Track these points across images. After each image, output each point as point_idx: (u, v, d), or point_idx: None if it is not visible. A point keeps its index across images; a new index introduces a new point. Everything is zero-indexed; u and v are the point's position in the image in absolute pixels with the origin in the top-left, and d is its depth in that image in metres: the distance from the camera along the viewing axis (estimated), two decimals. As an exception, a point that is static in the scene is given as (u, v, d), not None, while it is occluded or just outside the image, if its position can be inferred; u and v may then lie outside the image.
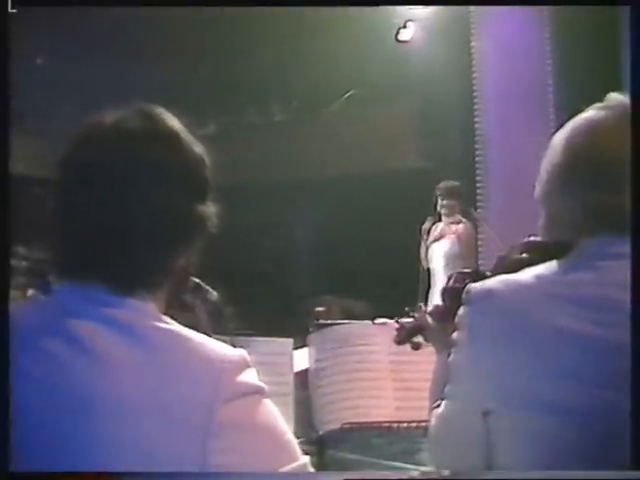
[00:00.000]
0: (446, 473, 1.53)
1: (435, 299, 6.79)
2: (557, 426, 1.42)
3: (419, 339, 2.03)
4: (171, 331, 1.28)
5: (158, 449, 1.21)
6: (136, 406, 1.22)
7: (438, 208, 7.07)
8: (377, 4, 6.74)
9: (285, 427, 1.31)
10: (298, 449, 1.31)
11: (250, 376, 1.28)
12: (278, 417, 1.30)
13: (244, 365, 1.28)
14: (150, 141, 1.32)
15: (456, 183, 7.04)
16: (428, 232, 7.13)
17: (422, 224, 7.13)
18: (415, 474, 1.56)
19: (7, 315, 1.30)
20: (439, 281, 6.91)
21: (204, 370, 1.25)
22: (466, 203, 7.08)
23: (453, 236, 7.03)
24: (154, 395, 1.22)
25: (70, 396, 1.22)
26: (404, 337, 2.06)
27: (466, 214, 7.06)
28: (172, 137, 1.35)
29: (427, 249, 7.14)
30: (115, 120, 1.34)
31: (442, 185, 7.03)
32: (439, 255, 7.05)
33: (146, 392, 1.22)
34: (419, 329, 2.01)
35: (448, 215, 7.07)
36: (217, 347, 1.29)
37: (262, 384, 1.30)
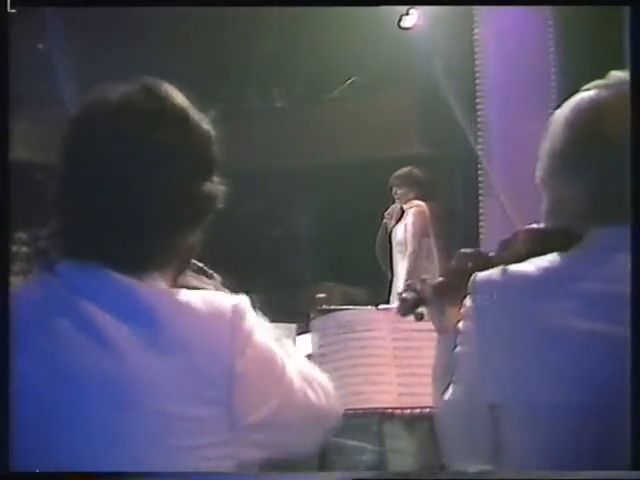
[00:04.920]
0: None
1: (397, 285, 7.00)
2: (562, 419, 1.41)
3: (422, 310, 2.02)
4: (177, 295, 1.29)
5: (182, 414, 1.21)
6: (155, 380, 1.21)
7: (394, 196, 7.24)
8: (378, 4, 6.74)
9: (273, 345, 1.35)
10: (284, 360, 1.35)
11: (253, 317, 1.32)
12: (271, 342, 1.35)
13: (247, 309, 1.31)
14: (155, 118, 1.31)
15: (406, 169, 7.21)
16: (393, 217, 7.29)
17: (385, 210, 7.29)
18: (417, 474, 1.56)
19: (8, 309, 1.28)
20: (398, 267, 7.11)
21: (218, 325, 1.27)
22: (424, 187, 7.21)
23: (403, 223, 7.17)
24: (172, 366, 1.21)
25: (80, 378, 1.21)
26: (407, 309, 2.04)
27: (427, 197, 7.20)
28: (177, 113, 1.33)
29: (390, 234, 7.27)
30: (119, 97, 1.32)
31: (394, 174, 7.21)
32: (394, 241, 7.20)
33: (159, 367, 1.21)
34: (421, 301, 1.99)
35: (402, 202, 7.22)
36: (221, 299, 1.31)
37: (258, 320, 1.33)
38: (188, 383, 1.22)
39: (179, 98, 1.35)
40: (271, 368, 1.33)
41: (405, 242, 7.11)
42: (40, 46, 9.76)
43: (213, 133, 1.38)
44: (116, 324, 1.23)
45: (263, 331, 1.34)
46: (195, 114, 1.36)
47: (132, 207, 1.27)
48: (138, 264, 1.29)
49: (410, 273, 6.96)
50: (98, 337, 1.23)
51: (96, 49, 9.20)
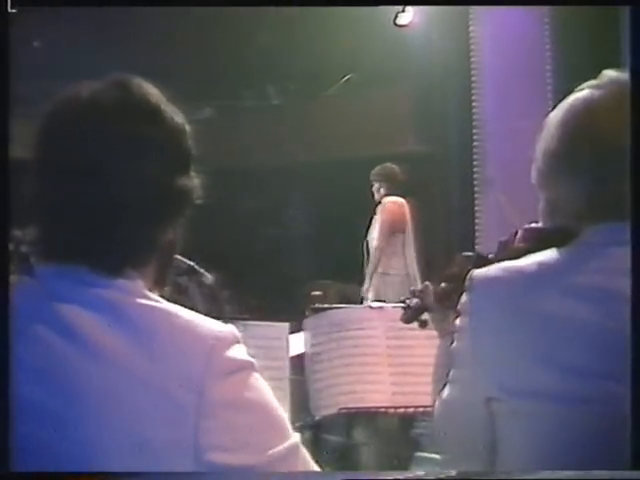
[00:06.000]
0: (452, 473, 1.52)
1: (374, 282, 7.13)
2: (559, 414, 1.40)
3: (426, 317, 2.01)
4: (160, 309, 1.26)
5: (150, 432, 1.18)
6: (127, 389, 1.19)
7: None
8: (377, 4, 6.74)
9: (275, 403, 1.28)
10: (289, 426, 1.29)
11: (240, 351, 1.26)
12: (269, 393, 1.28)
13: (234, 340, 1.26)
14: (126, 112, 1.29)
15: (382, 166, 7.32)
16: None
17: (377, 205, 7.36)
18: (417, 474, 1.56)
19: (8, 308, 1.27)
20: (377, 261, 7.18)
21: (194, 347, 1.22)
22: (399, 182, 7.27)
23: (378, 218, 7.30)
24: (145, 376, 1.20)
25: (61, 383, 1.20)
26: (410, 316, 2.04)
27: (405, 194, 7.29)
28: (149, 107, 1.31)
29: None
30: (90, 92, 1.30)
31: (372, 171, 7.35)
32: (370, 237, 7.33)
33: (136, 373, 1.20)
34: (425, 308, 1.99)
35: (376, 198, 7.33)
36: (207, 323, 1.26)
37: (251, 359, 1.28)
38: (157, 401, 1.20)
39: (151, 92, 1.33)
40: (255, 413, 1.25)
41: (375, 237, 7.24)
42: (40, 46, 9.75)
43: (187, 126, 1.36)
44: (93, 330, 1.22)
45: (259, 379, 1.27)
46: (168, 108, 1.33)
47: (106, 204, 1.25)
48: (115, 263, 1.27)
49: (373, 269, 7.11)
50: (77, 341, 1.22)
51: (94, 48, 9.20)
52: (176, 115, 1.34)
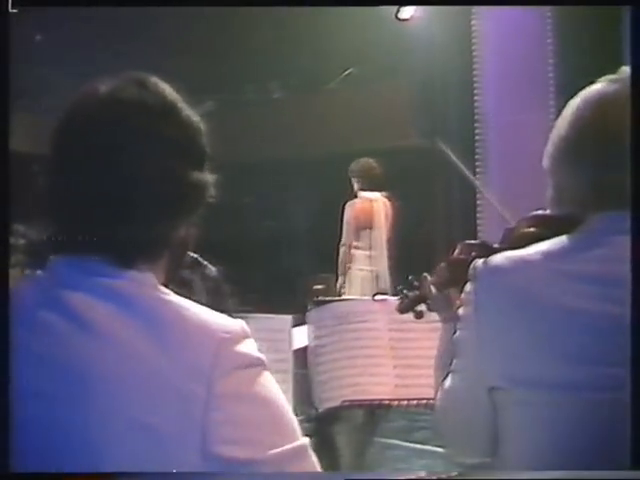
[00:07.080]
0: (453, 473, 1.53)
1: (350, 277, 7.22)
2: (563, 403, 1.41)
3: (422, 308, 2.02)
4: (170, 302, 1.27)
5: (157, 424, 1.19)
6: (135, 380, 1.20)
7: None
8: (378, 4, 6.73)
9: (286, 404, 1.29)
10: (298, 428, 1.29)
11: (250, 347, 1.27)
12: (279, 392, 1.29)
13: (243, 335, 1.27)
14: (145, 110, 1.31)
15: (357, 161, 7.38)
16: None
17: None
18: (419, 474, 1.57)
19: (8, 307, 1.27)
20: (343, 258, 7.30)
21: (203, 341, 1.23)
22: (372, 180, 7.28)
23: None
24: (153, 368, 1.21)
25: (69, 374, 1.20)
26: (407, 306, 2.04)
27: (380, 190, 7.31)
28: (167, 105, 1.34)
29: None
30: (109, 90, 1.32)
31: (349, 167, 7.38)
32: None
33: (145, 365, 1.21)
34: (422, 298, 1.99)
35: (355, 194, 7.35)
36: (216, 318, 1.27)
37: (262, 356, 1.28)
38: (165, 392, 1.21)
39: (168, 91, 1.36)
40: (263, 410, 1.26)
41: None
42: (41, 41, 9.75)
43: (202, 125, 1.38)
44: (102, 319, 1.23)
45: (269, 377, 1.28)
46: (184, 106, 1.36)
47: (120, 199, 1.27)
48: (127, 256, 1.28)
49: (340, 264, 7.17)
50: (85, 330, 1.22)
51: (97, 44, 9.19)
52: (191, 113, 1.36)
